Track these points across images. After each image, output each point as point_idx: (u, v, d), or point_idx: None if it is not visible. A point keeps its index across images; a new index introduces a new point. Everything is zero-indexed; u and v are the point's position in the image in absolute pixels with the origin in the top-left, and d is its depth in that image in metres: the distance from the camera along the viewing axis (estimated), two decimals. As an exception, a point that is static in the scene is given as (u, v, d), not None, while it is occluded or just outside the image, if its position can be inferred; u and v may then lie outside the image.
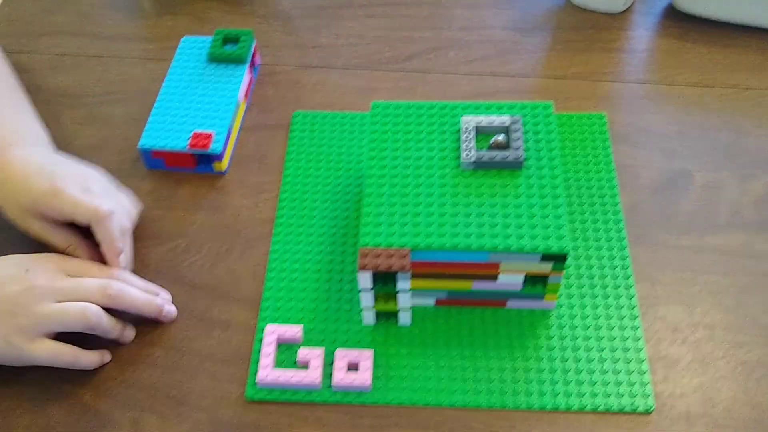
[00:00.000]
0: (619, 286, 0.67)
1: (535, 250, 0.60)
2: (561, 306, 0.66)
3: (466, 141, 0.65)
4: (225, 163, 0.77)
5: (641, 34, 0.88)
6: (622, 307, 0.66)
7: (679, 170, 0.75)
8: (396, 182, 0.64)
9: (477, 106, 0.69)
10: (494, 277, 0.63)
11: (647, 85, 0.83)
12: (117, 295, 0.62)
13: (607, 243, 0.70)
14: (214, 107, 0.79)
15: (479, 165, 0.64)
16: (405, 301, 0.63)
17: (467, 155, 0.64)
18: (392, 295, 0.63)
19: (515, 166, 0.64)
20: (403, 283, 0.61)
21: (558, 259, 0.61)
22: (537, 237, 0.60)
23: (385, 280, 0.61)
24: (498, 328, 0.65)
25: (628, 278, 0.67)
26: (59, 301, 0.61)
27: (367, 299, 0.63)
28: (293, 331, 0.64)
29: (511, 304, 0.66)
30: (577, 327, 0.65)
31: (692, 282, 0.67)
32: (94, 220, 0.64)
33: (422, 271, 0.63)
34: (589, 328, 0.65)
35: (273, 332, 0.64)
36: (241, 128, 0.81)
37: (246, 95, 0.83)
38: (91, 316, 0.60)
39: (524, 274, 0.63)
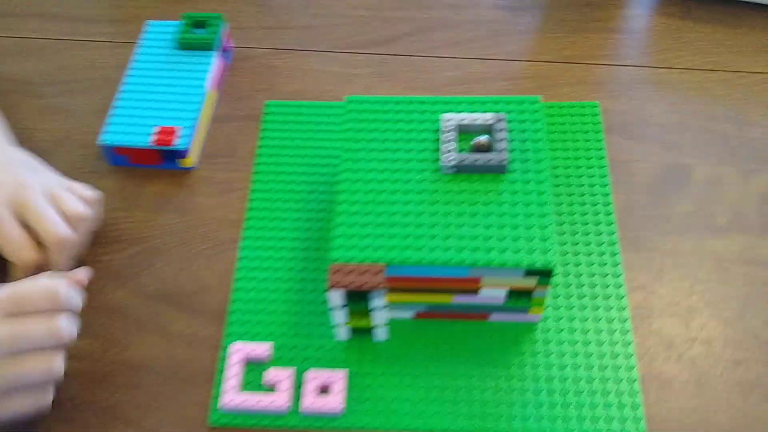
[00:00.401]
0: (610, 296, 0.63)
1: (518, 265, 0.55)
2: (547, 318, 0.62)
3: (446, 142, 0.60)
4: (192, 159, 0.72)
5: (639, 12, 0.82)
6: (613, 320, 0.62)
7: (677, 165, 0.70)
8: (371, 188, 0.59)
9: (459, 102, 0.64)
10: (475, 291, 0.59)
11: (645, 69, 0.77)
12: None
13: (597, 248, 0.65)
14: (180, 98, 0.74)
15: (460, 169, 0.59)
16: (380, 317, 0.59)
17: (447, 159, 0.59)
18: (367, 312, 0.58)
19: (499, 170, 0.59)
20: (378, 301, 0.57)
21: (543, 274, 0.56)
22: (520, 251, 0.55)
23: (358, 297, 0.57)
24: (480, 342, 0.61)
25: (619, 287, 0.63)
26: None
27: (339, 317, 0.59)
28: (261, 349, 0.60)
29: (495, 317, 0.62)
30: (564, 342, 0.61)
31: (689, 291, 0.63)
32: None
33: (399, 285, 0.58)
34: (577, 343, 0.61)
35: (239, 350, 0.60)
36: (211, 121, 0.76)
37: (217, 83, 0.77)
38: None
39: (507, 288, 0.58)
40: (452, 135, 0.61)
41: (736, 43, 0.78)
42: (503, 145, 0.60)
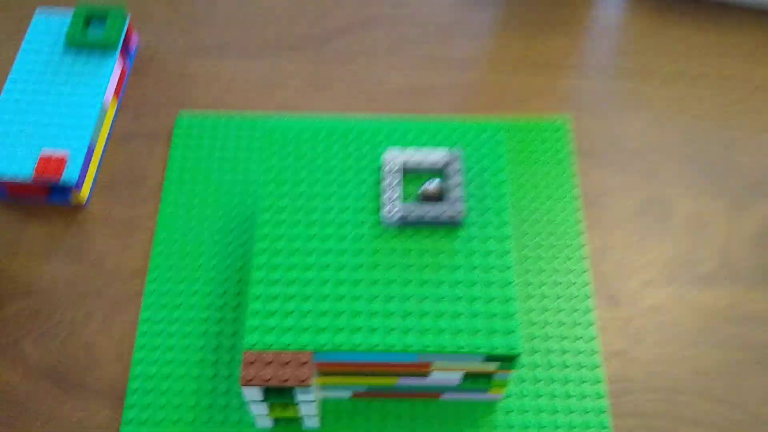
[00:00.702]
0: (583, 366, 0.53)
1: (476, 351, 0.45)
2: (509, 396, 0.52)
3: (389, 189, 0.49)
4: (85, 192, 0.60)
5: (610, 12, 0.71)
6: (586, 397, 0.52)
7: (656, 197, 0.60)
8: (296, 248, 0.48)
9: (406, 129, 0.52)
10: (425, 375, 0.49)
11: (619, 79, 0.67)
12: None
13: (569, 303, 0.55)
14: (71, 114, 0.61)
15: (406, 223, 0.49)
16: (310, 409, 0.48)
17: (390, 210, 0.48)
18: (292, 404, 0.48)
19: (453, 224, 0.49)
20: (305, 396, 0.46)
21: (506, 360, 0.46)
22: (479, 333, 0.45)
23: (280, 391, 0.46)
24: (431, 425, 0.51)
25: (593, 354, 0.54)
26: None
27: (258, 409, 0.48)
28: (165, 443, 0.49)
29: (448, 396, 0.52)
30: (529, 426, 0.51)
31: (671, 358, 0.54)
32: None
33: (331, 370, 0.48)
34: (544, 428, 0.51)
35: (139, 445, 0.49)
36: (109, 138, 0.63)
37: (117, 93, 0.64)
38: None
39: (463, 372, 0.48)
40: (396, 178, 0.50)
41: (721, 46, 0.68)
42: (458, 192, 0.49)
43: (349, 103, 0.65)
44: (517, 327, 0.46)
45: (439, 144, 0.52)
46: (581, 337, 0.54)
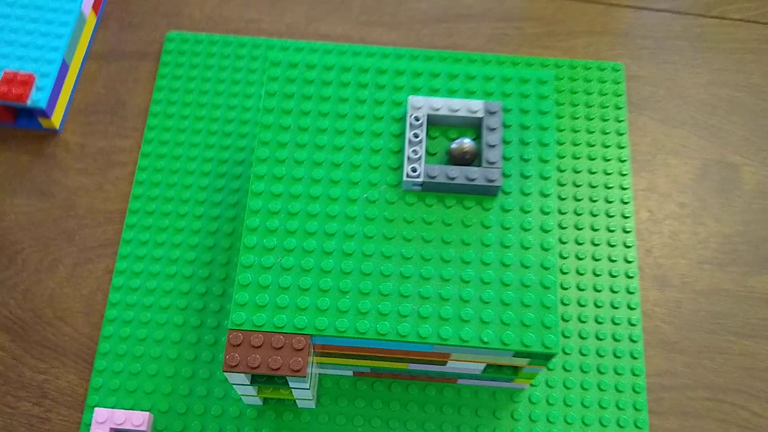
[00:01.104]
0: (622, 356, 0.46)
1: (505, 348, 0.38)
2: (536, 384, 0.46)
3: (412, 144, 0.41)
4: (57, 118, 0.52)
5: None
6: (622, 391, 0.45)
7: (719, 162, 0.52)
8: (296, 211, 0.40)
9: (435, 70, 0.44)
10: (442, 363, 0.42)
11: (686, 17, 0.57)
12: None
13: (610, 282, 0.48)
14: (41, 27, 0.52)
15: (430, 187, 0.41)
16: (304, 393, 0.41)
17: (412, 171, 0.40)
18: (284, 387, 0.41)
19: (487, 192, 0.41)
20: (299, 383, 0.39)
21: (540, 357, 0.39)
22: (509, 326, 0.38)
23: (270, 377, 0.40)
24: (443, 414, 0.45)
25: (634, 343, 0.46)
26: None
27: (244, 391, 0.41)
28: (135, 421, 0.43)
29: (465, 381, 0.45)
30: (555, 422, 0.44)
31: (723, 351, 0.46)
32: None
33: (331, 351, 0.41)
34: (572, 425, 0.44)
35: (105, 421, 0.43)
36: (86, 57, 0.54)
37: (97, 4, 0.55)
38: None
39: (486, 363, 0.41)
40: (421, 131, 0.41)
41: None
42: (497, 153, 0.41)
43: (368, 32, 0.55)
44: (556, 322, 0.38)
45: (473, 91, 0.43)
46: (621, 323, 0.47)
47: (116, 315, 0.46)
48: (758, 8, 0.57)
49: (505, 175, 0.41)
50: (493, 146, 0.41)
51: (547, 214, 0.40)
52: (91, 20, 0.54)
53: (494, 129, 0.41)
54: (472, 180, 0.40)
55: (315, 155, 0.41)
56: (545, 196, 0.41)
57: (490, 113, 0.41)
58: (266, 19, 0.56)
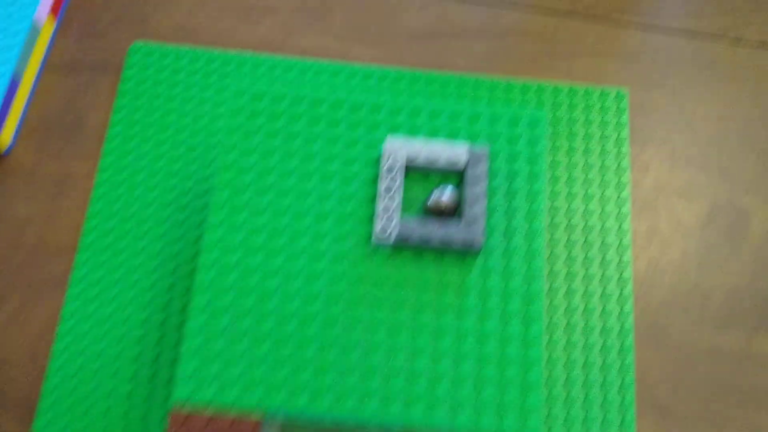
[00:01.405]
0: (612, 423, 0.42)
1: (480, 430, 0.34)
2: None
3: (385, 194, 0.37)
4: (7, 136, 0.47)
5: (703, -55, 0.55)
6: (612, 467, 0.41)
7: (727, 206, 0.48)
8: (254, 267, 0.36)
9: (416, 107, 0.39)
10: (411, 438, 0.38)
11: (697, 37, 0.52)
12: None
13: (602, 338, 0.44)
14: (-9, 34, 0.47)
15: (404, 243, 0.36)
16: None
17: (384, 227, 0.36)
18: (236, 461, 0.37)
19: (468, 250, 0.36)
20: (250, 463, 0.35)
21: (519, 440, 0.35)
22: (486, 407, 0.34)
23: (219, 453, 0.36)
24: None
25: (628, 408, 0.42)
26: None
27: (192, 466, 0.38)
28: (76, 487, 0.39)
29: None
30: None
31: (720, 423, 0.43)
32: None
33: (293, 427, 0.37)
34: (556, 505, 0.41)
35: (44, 485, 0.39)
36: (42, 68, 0.50)
37: (55, 10, 0.50)
38: None
39: (461, 441, 0.37)
40: (397, 179, 0.37)
41: (834, 6, 0.53)
42: (479, 208, 0.36)
43: (351, 46, 0.51)
44: (539, 403, 0.34)
45: (458, 131, 0.39)
46: (612, 387, 0.43)
47: (63, 362, 0.43)
48: (778, 31, 0.52)
49: (488, 231, 0.37)
50: (475, 201, 0.36)
51: (534, 277, 0.36)
52: (49, 27, 0.50)
53: (478, 179, 0.37)
54: (450, 240, 0.36)
55: (278, 201, 0.37)
56: (533, 256, 0.36)
57: (475, 160, 0.37)
58: (241, 30, 0.51)
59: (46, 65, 0.50)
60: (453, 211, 0.37)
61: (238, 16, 0.52)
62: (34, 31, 0.48)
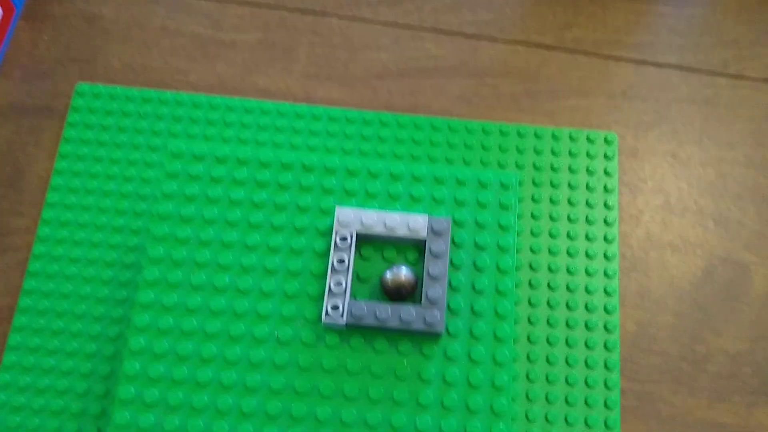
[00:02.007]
0: None
1: None
2: None
3: (336, 272, 0.33)
4: (-60, 190, 0.44)
5: (701, -29, 0.51)
6: None
7: (726, 262, 0.43)
8: (185, 354, 0.32)
9: (371, 170, 0.35)
10: None
11: (696, 74, 0.48)
12: None
13: (587, 411, 0.40)
14: None
15: (356, 327, 0.32)
16: None
17: (333, 309, 0.32)
18: None
19: (427, 335, 0.32)
20: None
21: None
22: None
23: None
24: None
25: (612, 497, 0.38)
26: None
27: None
28: None
29: None
30: None
31: None
32: None
33: None
34: None
35: None
36: (-19, 112, 0.46)
37: (-5, 45, 0.47)
38: None
39: None
40: (348, 256, 0.33)
41: None
42: (439, 289, 0.32)
43: (314, 85, 0.47)
44: None
45: (419, 198, 0.35)
46: (598, 471, 0.39)
47: (5, 399, 0.39)
48: (782, 65, 0.48)
49: (451, 312, 0.33)
50: (436, 279, 0.32)
51: (501, 366, 0.32)
52: (-13, 69, 0.46)
53: (439, 254, 0.33)
54: (409, 324, 0.32)
55: (216, 278, 0.33)
56: (501, 341, 0.32)
57: (436, 234, 0.33)
58: (196, 69, 0.47)
59: (-15, 110, 0.46)
60: (411, 290, 0.33)
61: (194, 55, 0.48)
62: (-30, 74, 0.44)
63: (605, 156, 0.45)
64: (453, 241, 0.34)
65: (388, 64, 0.47)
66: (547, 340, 0.41)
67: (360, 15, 0.49)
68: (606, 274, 0.42)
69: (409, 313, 0.32)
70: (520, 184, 0.43)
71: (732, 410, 0.40)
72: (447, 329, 0.33)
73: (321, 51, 0.48)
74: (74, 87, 0.47)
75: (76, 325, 0.41)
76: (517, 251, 0.41)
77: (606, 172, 0.45)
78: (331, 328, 0.33)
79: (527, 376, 0.40)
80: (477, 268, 0.33)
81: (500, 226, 0.34)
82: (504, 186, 0.35)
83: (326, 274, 0.33)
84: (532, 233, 0.43)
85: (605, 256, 0.43)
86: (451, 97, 0.47)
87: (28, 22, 0.49)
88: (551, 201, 0.44)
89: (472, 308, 0.33)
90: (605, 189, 0.44)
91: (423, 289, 0.32)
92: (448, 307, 0.33)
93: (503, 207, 0.34)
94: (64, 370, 0.40)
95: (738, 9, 0.49)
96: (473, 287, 0.33)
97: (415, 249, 0.34)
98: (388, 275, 0.33)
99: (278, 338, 0.32)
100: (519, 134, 0.45)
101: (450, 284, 0.33)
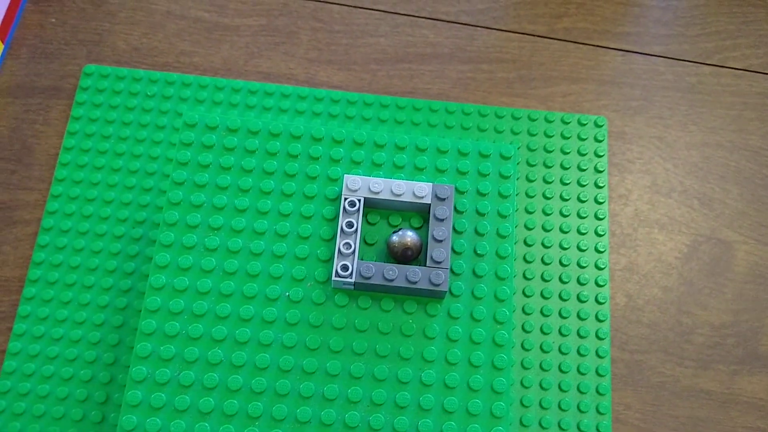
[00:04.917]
0: (588, 476, 0.40)
1: (445, 492, 0.32)
2: None
3: (345, 234, 0.34)
4: (-49, 165, 0.45)
5: (685, -35, 0.53)
6: None
7: (710, 240, 0.46)
8: (202, 312, 0.34)
9: (377, 142, 0.37)
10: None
11: (681, 64, 0.50)
12: None
13: (579, 396, 0.41)
14: (-66, 56, 0.45)
15: (364, 287, 0.34)
16: None
17: (343, 269, 0.34)
18: None
19: (432, 295, 0.34)
20: None
21: (485, 501, 0.33)
22: (450, 467, 0.32)
23: None
24: None
25: (604, 459, 0.40)
26: None
27: None
28: None
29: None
30: None
31: (708, 473, 0.40)
32: None
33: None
34: None
35: None
36: (-9, 90, 0.48)
37: (4, 31, 0.48)
38: None
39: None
40: (356, 220, 0.34)
41: (820, 30, 0.51)
42: (443, 251, 0.34)
43: (316, 69, 0.48)
44: (505, 462, 0.32)
45: (423, 168, 0.36)
46: (592, 430, 0.40)
47: (5, 406, 0.40)
48: (765, 55, 0.50)
49: (454, 274, 0.34)
50: (440, 242, 0.34)
51: (501, 323, 0.34)
52: (-3, 49, 0.47)
53: (443, 219, 0.34)
54: (414, 283, 0.33)
55: (230, 242, 0.35)
56: (501, 301, 0.34)
57: (440, 199, 0.35)
58: (201, 53, 0.49)
59: (-6, 88, 0.47)
60: (417, 253, 0.34)
61: (198, 38, 0.49)
62: (-19, 53, 0.46)
63: (596, 138, 0.47)
64: (455, 209, 0.36)
65: (387, 50, 0.49)
66: (542, 312, 0.42)
67: (360, 3, 0.51)
68: (597, 249, 0.44)
69: (415, 273, 0.33)
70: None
71: (716, 378, 0.42)
72: (450, 290, 0.34)
73: (322, 36, 0.49)
74: (82, 68, 0.48)
75: (85, 295, 0.42)
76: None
77: (596, 154, 0.47)
78: (340, 289, 0.34)
79: (522, 346, 0.42)
80: (478, 234, 0.35)
81: (500, 195, 0.36)
82: (504, 157, 0.37)
83: (335, 239, 0.35)
84: (527, 211, 0.45)
85: (596, 233, 0.45)
86: (448, 82, 0.48)
87: (37, 6, 0.50)
88: (545, 180, 0.46)
89: (473, 271, 0.35)
90: (596, 169, 0.46)
91: (428, 251, 0.34)
92: (451, 270, 0.34)
93: (503, 176, 0.36)
94: (74, 338, 0.41)
95: (719, 3, 0.52)
96: (475, 251, 0.35)
97: (419, 216, 0.36)
98: (395, 238, 0.34)
99: (289, 298, 0.34)
100: (513, 117, 0.47)
101: (453, 249, 0.35)
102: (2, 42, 0.48)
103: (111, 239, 0.43)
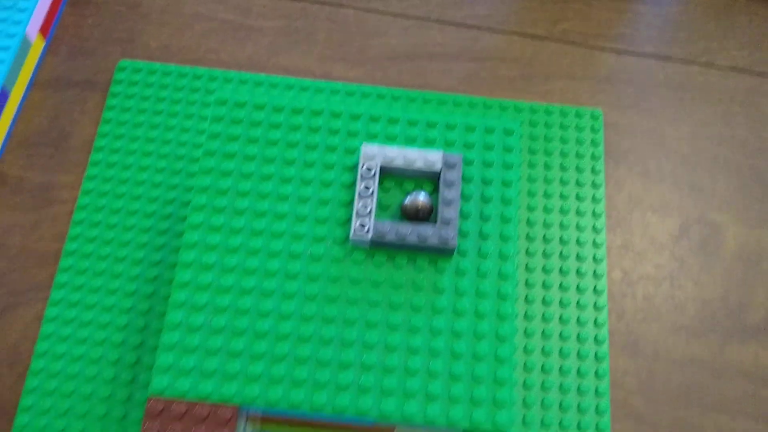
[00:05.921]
0: (588, 429, 0.43)
1: (452, 425, 0.34)
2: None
3: (363, 197, 0.38)
4: (-5, 148, 0.48)
5: (674, -25, 0.57)
6: (586, 474, 0.42)
7: (700, 221, 0.49)
8: (232, 266, 0.37)
9: (392, 117, 0.40)
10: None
11: (671, 63, 0.54)
12: None
13: (578, 361, 0.44)
14: (-17, 49, 0.49)
15: (380, 245, 0.37)
16: (233, 467, 0.38)
17: (361, 227, 0.37)
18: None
19: (442, 252, 0.37)
20: (224, 460, 0.36)
21: (491, 438, 0.35)
22: (459, 401, 0.34)
23: (193, 450, 0.36)
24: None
25: (603, 414, 0.43)
26: None
27: (167, 465, 0.38)
28: (50, 490, 0.39)
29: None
30: (512, 507, 0.41)
31: (692, 429, 0.43)
32: None
33: (268, 420, 0.37)
34: None
35: (18, 488, 0.39)
36: (31, 84, 0.51)
37: (45, 28, 0.52)
38: None
39: (434, 441, 0.38)
40: (373, 184, 0.38)
41: (801, 34, 0.55)
42: (452, 211, 0.37)
43: (332, 65, 0.52)
44: (510, 398, 0.35)
45: (433, 140, 0.40)
46: (588, 392, 0.43)
47: (43, 366, 0.43)
48: (749, 56, 0.54)
49: (462, 234, 0.38)
50: (449, 203, 0.37)
51: (505, 279, 0.37)
52: (38, 45, 0.51)
53: (452, 184, 0.38)
54: (425, 239, 0.37)
55: (257, 204, 0.38)
56: (505, 258, 0.37)
57: (449, 166, 0.38)
58: (226, 50, 0.53)
59: (34, 82, 0.51)
60: (427, 215, 0.38)
61: (224, 37, 0.53)
62: (24, 48, 0.49)
63: (592, 129, 0.50)
64: (463, 177, 0.39)
65: (398, 49, 0.53)
66: (543, 284, 0.45)
67: (373, 7, 0.55)
68: (594, 228, 0.47)
69: (426, 230, 0.37)
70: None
71: (707, 347, 0.45)
72: (458, 248, 0.37)
73: (337, 37, 0.53)
74: (116, 64, 0.52)
75: (117, 267, 0.45)
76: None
77: (593, 143, 0.50)
78: (358, 246, 0.37)
79: (525, 315, 0.45)
80: (484, 199, 0.39)
81: (504, 164, 0.39)
82: (507, 131, 0.40)
83: (353, 202, 0.38)
84: (529, 193, 0.48)
85: (593, 214, 0.48)
86: (455, 79, 0.52)
87: (74, 8, 0.54)
88: (545, 166, 0.49)
89: (480, 231, 0.38)
90: (592, 156, 0.50)
91: (438, 212, 0.37)
92: (459, 230, 0.38)
93: (507, 149, 0.40)
94: (107, 305, 0.44)
95: (707, 7, 0.56)
96: (481, 214, 0.38)
97: (430, 183, 0.39)
98: (408, 199, 0.38)
99: (311, 255, 0.37)
100: (516, 109, 0.51)
101: (461, 212, 0.38)
102: (44, 38, 0.52)
103: (142, 216, 0.47)
